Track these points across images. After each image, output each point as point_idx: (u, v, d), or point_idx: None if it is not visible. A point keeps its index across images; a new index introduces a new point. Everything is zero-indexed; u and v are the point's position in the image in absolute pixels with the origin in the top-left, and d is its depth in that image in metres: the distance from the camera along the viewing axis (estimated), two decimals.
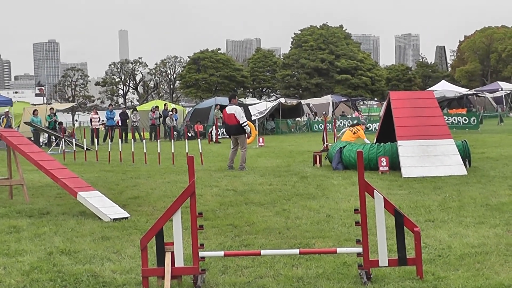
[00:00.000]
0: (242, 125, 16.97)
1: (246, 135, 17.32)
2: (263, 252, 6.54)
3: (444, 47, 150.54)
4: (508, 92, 57.06)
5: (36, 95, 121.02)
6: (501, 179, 13.17)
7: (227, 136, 21.99)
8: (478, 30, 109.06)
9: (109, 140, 29.46)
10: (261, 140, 28.06)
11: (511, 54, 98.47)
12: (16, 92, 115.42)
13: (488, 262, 6.64)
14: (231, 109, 17.20)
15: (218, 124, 33.17)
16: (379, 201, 6.11)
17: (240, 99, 40.91)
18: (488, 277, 6.08)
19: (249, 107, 39.81)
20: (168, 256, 6.05)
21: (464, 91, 60.02)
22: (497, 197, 10.84)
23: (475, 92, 59.71)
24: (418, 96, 17.98)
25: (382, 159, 14.90)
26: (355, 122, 21.39)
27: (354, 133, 21.40)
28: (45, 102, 70.74)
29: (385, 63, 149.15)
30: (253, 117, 37.02)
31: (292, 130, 41.67)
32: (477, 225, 8.53)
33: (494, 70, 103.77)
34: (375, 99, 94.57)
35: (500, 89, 56.76)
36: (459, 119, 36.22)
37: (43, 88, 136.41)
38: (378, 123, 22.78)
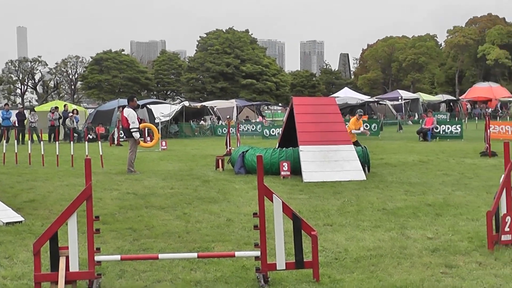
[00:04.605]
0: (131, 130, 17.00)
1: (137, 140, 17.18)
2: (160, 256, 6.44)
3: (347, 54, 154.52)
4: (408, 100, 59.08)
5: None
6: (398, 184, 13.59)
7: None
8: (380, 40, 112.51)
9: (5, 141, 28.49)
10: (164, 143, 27.86)
11: (411, 63, 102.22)
12: None
13: (382, 264, 6.81)
14: (126, 112, 17.18)
15: (120, 126, 32.66)
16: (277, 205, 6.16)
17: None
18: (381, 279, 6.23)
19: (153, 109, 39.44)
20: (62, 261, 5.87)
21: (366, 98, 61.76)
22: (394, 201, 11.17)
23: (376, 99, 61.52)
24: (320, 102, 18.31)
25: (283, 164, 15.06)
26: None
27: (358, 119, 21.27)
28: None
29: (290, 69, 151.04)
30: (157, 120, 36.70)
31: (196, 134, 41.55)
32: (373, 229, 8.74)
33: (395, 79, 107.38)
34: (280, 104, 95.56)
35: (400, 97, 58.68)
36: None
37: None
38: (281, 128, 23.01)
